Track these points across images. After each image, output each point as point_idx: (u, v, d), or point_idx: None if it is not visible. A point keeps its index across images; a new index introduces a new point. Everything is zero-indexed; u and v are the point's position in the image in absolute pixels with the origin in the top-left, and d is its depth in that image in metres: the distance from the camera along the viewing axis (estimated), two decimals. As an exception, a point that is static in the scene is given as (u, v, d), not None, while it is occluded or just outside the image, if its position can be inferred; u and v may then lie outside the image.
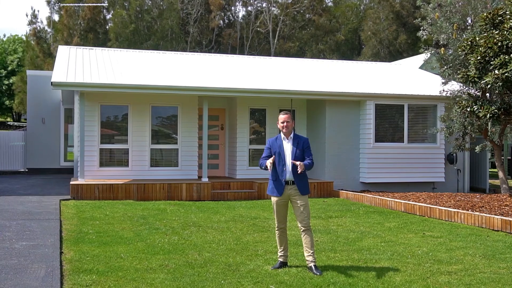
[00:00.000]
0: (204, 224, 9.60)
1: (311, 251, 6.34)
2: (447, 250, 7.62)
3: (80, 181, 13.28)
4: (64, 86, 13.21)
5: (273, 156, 6.42)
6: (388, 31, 36.36)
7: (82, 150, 13.55)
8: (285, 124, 6.45)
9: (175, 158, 15.11)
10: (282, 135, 6.53)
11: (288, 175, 6.40)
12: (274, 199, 6.51)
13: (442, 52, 13.73)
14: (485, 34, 11.26)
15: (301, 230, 6.39)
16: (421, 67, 20.77)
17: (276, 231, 6.57)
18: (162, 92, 13.88)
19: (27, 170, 20.55)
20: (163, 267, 6.42)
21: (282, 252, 6.56)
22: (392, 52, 36.39)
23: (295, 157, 6.39)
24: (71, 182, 13.14)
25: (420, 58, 22.01)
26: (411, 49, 35.91)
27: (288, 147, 6.45)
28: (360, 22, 39.79)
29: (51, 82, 12.78)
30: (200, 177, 14.77)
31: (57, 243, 7.41)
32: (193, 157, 15.13)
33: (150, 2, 36.06)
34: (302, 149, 6.46)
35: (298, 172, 6.23)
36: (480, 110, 11.10)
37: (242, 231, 8.97)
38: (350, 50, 40.44)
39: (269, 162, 6.29)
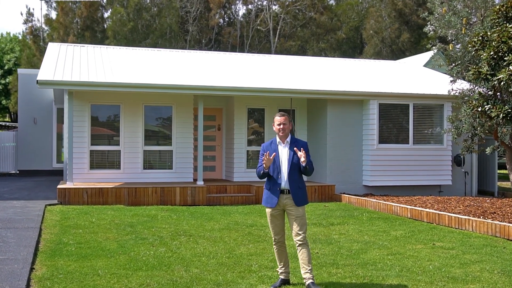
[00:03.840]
0: (195, 233, 8.89)
1: (309, 268, 5.63)
2: (461, 264, 6.90)
3: (68, 184, 12.57)
4: (51, 84, 12.53)
5: (274, 153, 5.69)
6: (391, 29, 35.61)
7: (71, 152, 12.84)
8: (281, 126, 5.76)
9: (169, 160, 14.42)
10: (278, 139, 5.85)
11: (284, 184, 5.73)
12: (268, 209, 5.84)
13: (450, 48, 13.00)
14: (497, 28, 10.53)
15: (296, 244, 5.70)
16: (426, 65, 20.01)
17: (274, 246, 5.88)
18: (156, 91, 13.19)
19: (18, 172, 19.88)
20: (143, 287, 5.71)
21: (283, 268, 5.89)
22: (394, 51, 35.63)
23: (292, 164, 5.71)
24: (58, 186, 12.44)
25: (425, 56, 21.24)
26: (414, 48, 35.15)
27: (284, 153, 5.78)
28: (361, 21, 39.03)
29: (37, 81, 12.09)
30: (195, 180, 14.07)
31: (29, 257, 6.69)
32: (188, 159, 14.43)
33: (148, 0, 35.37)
34: None
35: (302, 162, 5.57)
36: (492, 110, 10.37)
37: (236, 241, 8.26)
38: (352, 49, 39.69)
39: (266, 161, 5.60)
